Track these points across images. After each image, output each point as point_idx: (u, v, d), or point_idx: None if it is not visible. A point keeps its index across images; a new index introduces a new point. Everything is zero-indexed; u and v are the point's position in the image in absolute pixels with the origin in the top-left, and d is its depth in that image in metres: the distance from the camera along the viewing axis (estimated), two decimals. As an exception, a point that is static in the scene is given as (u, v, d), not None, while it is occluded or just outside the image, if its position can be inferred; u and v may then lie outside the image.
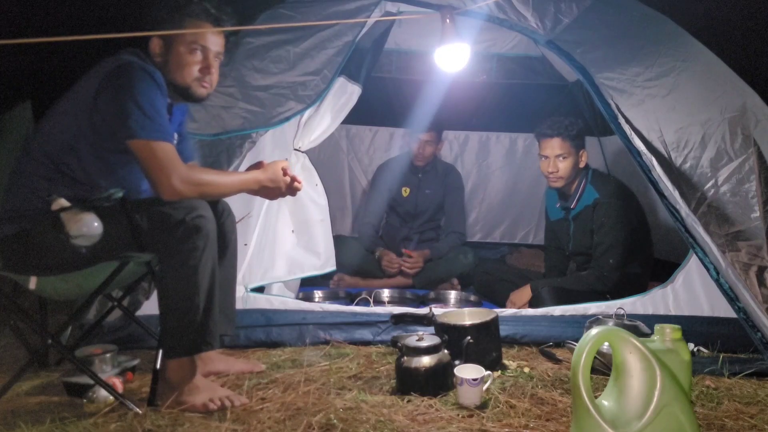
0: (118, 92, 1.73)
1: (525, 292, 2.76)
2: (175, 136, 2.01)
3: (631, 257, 2.77)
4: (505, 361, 2.16)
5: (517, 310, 2.51)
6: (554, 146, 2.80)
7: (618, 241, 2.72)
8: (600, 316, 2.27)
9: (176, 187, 1.72)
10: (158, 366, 1.79)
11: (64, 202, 1.73)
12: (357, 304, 2.75)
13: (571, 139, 2.79)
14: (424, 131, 3.60)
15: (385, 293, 3.20)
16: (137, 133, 1.71)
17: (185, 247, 1.70)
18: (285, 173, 1.99)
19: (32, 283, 1.78)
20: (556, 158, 2.80)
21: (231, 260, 2.09)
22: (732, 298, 2.10)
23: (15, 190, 1.80)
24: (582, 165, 2.84)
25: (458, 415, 1.70)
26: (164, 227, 1.71)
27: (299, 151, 2.65)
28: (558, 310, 2.45)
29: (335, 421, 1.64)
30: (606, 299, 2.48)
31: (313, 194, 2.67)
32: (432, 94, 3.52)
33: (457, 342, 2.03)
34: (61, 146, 1.78)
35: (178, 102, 1.98)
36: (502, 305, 2.78)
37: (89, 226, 1.70)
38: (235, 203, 2.18)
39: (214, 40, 1.93)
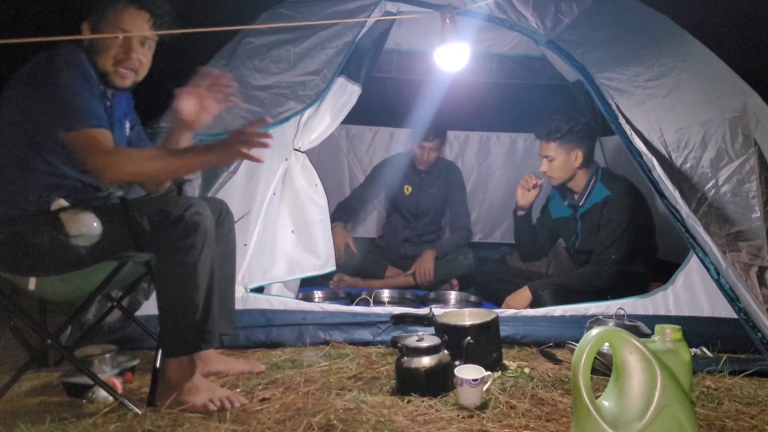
0: (39, 88, 1.73)
1: (523, 296, 2.75)
2: (126, 123, 2.00)
3: (634, 255, 2.77)
4: (506, 362, 2.15)
5: (517, 311, 2.51)
6: (542, 147, 2.90)
7: (623, 237, 2.73)
8: (600, 317, 2.27)
9: (112, 167, 1.69)
10: (158, 366, 1.79)
11: (63, 203, 1.74)
12: (357, 305, 2.74)
13: (556, 141, 2.83)
14: (428, 139, 3.58)
15: (385, 293, 3.20)
16: (64, 126, 1.70)
17: (183, 245, 1.70)
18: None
19: (31, 283, 1.78)
20: (545, 159, 2.89)
21: (230, 259, 2.09)
22: (732, 298, 2.10)
23: (1, 194, 1.79)
24: (577, 165, 2.84)
25: (458, 415, 1.70)
26: (162, 225, 1.71)
27: (299, 151, 2.64)
28: (558, 311, 2.45)
29: (335, 421, 1.63)
30: (606, 299, 2.48)
31: (313, 194, 2.67)
32: (432, 94, 3.52)
33: (458, 342, 2.03)
34: (21, 147, 1.77)
35: (114, 89, 1.91)
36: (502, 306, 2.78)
37: (88, 226, 1.70)
38: (235, 203, 2.19)
39: (136, 25, 1.85)
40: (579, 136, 2.85)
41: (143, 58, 1.88)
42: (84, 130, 1.71)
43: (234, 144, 1.73)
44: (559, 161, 2.85)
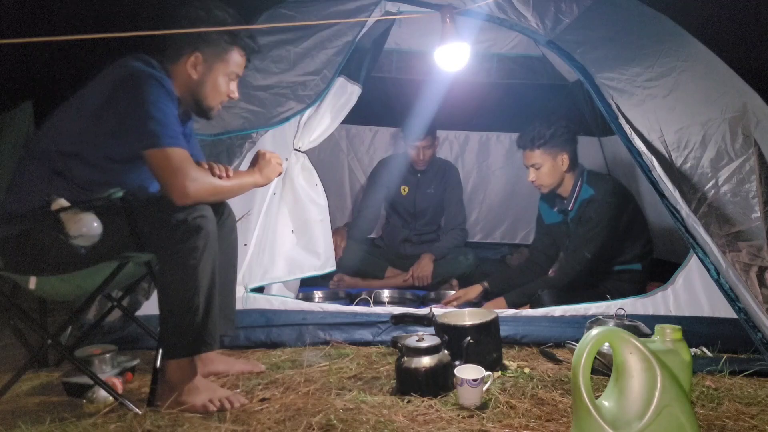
0: (131, 103, 1.72)
1: (497, 303, 2.75)
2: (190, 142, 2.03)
3: (623, 255, 2.77)
4: (506, 362, 2.15)
5: (517, 311, 2.51)
6: (527, 157, 2.88)
7: (599, 237, 2.72)
8: (600, 317, 2.27)
9: (190, 192, 1.71)
10: (158, 366, 1.79)
11: (63, 202, 1.73)
12: (357, 305, 2.74)
13: (540, 148, 2.81)
14: (420, 138, 3.59)
15: (385, 293, 3.20)
16: (153, 143, 1.71)
17: (185, 247, 1.70)
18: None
19: (32, 283, 1.78)
20: (532, 168, 2.87)
21: (231, 260, 2.09)
22: (732, 298, 2.10)
23: (15, 191, 1.80)
24: (564, 168, 2.83)
25: (458, 415, 1.70)
26: (165, 227, 1.71)
27: (299, 151, 2.65)
28: (558, 311, 2.45)
29: (335, 421, 1.63)
30: (606, 299, 2.48)
31: (312, 194, 2.67)
32: (432, 94, 3.52)
33: (458, 342, 2.03)
34: (64, 150, 1.77)
35: (190, 112, 2.00)
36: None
37: (89, 226, 1.70)
38: (235, 202, 2.18)
39: (241, 65, 2.00)
40: (562, 140, 2.83)
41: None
42: (168, 149, 1.72)
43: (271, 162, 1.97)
44: (546, 168, 2.83)
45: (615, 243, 2.75)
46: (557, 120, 2.88)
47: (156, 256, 1.79)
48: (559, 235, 3.02)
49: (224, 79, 1.95)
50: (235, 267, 2.13)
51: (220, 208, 2.01)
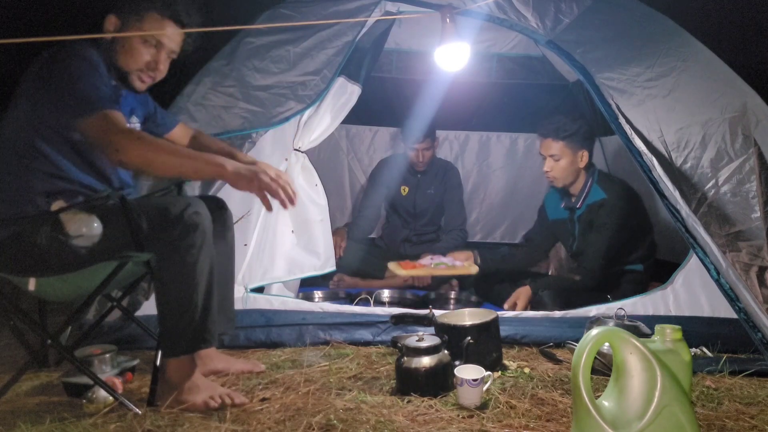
0: (47, 81, 1.73)
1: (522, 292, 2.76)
2: (135, 119, 2.00)
3: (630, 256, 2.77)
4: (506, 362, 2.15)
5: (518, 312, 2.51)
6: (547, 146, 2.84)
7: (613, 242, 2.72)
8: (600, 317, 2.26)
9: (121, 147, 1.66)
10: (157, 365, 1.79)
11: (62, 203, 1.73)
12: (357, 305, 2.74)
13: (564, 140, 2.79)
14: (419, 141, 3.59)
15: (385, 293, 3.20)
16: (80, 114, 1.70)
17: (182, 245, 1.70)
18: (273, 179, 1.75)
19: (31, 284, 1.78)
20: (549, 158, 2.83)
21: (229, 258, 2.09)
22: (732, 298, 2.10)
23: (3, 194, 1.79)
24: (582, 165, 2.83)
25: (458, 415, 1.70)
26: (161, 225, 1.71)
27: (299, 151, 2.64)
28: (558, 311, 2.45)
29: (335, 421, 1.63)
30: (607, 300, 2.48)
31: (312, 194, 2.66)
32: (431, 95, 3.52)
33: (458, 342, 2.03)
34: (26, 147, 1.77)
35: (129, 89, 1.93)
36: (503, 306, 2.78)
37: (88, 226, 1.70)
38: (234, 203, 2.18)
39: (171, 37, 1.87)
40: (584, 137, 2.83)
41: (165, 68, 1.91)
42: (99, 112, 1.69)
43: (256, 180, 1.70)
44: (565, 161, 2.81)
45: (622, 246, 2.75)
46: (581, 116, 2.87)
47: (154, 255, 1.79)
48: (563, 233, 3.02)
49: (140, 43, 1.84)
50: (233, 265, 2.13)
51: (216, 206, 2.01)
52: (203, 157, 1.77)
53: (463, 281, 3.44)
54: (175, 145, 1.95)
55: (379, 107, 3.99)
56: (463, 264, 2.93)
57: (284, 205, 1.75)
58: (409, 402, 1.79)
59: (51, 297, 1.96)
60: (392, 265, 2.89)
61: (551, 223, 3.08)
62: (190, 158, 1.76)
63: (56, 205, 1.74)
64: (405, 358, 1.88)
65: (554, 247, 3.37)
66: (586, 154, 2.82)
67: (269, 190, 1.72)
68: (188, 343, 1.75)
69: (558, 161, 2.81)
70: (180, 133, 2.20)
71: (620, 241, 2.73)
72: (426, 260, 2.91)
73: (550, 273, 3.40)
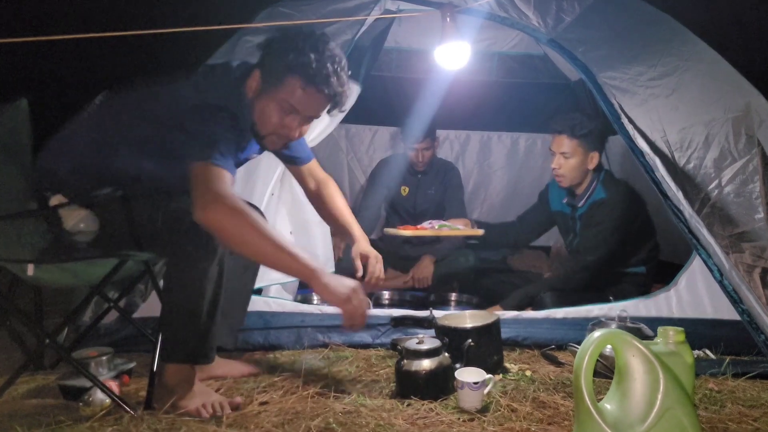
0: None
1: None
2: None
3: (631, 259, 2.75)
4: (507, 365, 2.14)
5: (518, 313, 2.49)
6: (559, 143, 2.76)
7: (606, 241, 2.69)
8: (602, 319, 2.24)
9: (208, 210, 1.56)
10: (155, 369, 1.77)
11: (61, 198, 1.72)
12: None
13: (578, 138, 2.73)
14: (419, 141, 3.57)
15: (385, 295, 3.18)
16: (193, 154, 1.62)
17: (195, 254, 1.66)
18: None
19: (30, 269, 1.74)
20: (560, 155, 2.77)
21: (247, 268, 2.06)
22: (735, 300, 2.08)
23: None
24: (591, 167, 2.78)
25: (459, 419, 1.68)
26: (175, 230, 1.67)
27: (298, 151, 2.62)
28: (560, 313, 2.43)
29: (334, 425, 1.62)
30: (609, 301, 2.46)
31: (312, 195, 2.64)
32: (432, 93, 3.50)
33: (458, 345, 2.01)
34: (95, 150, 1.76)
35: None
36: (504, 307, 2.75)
37: (87, 222, 1.68)
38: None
39: (312, 106, 1.76)
40: (598, 138, 2.77)
41: (300, 133, 1.83)
42: (208, 164, 1.60)
43: (343, 304, 1.62)
44: (575, 160, 2.75)
45: (624, 248, 2.73)
46: (597, 117, 2.82)
47: (166, 259, 1.75)
48: (563, 227, 3.00)
49: (275, 106, 1.74)
50: (253, 280, 2.12)
51: None
52: (296, 256, 1.59)
53: (464, 283, 3.43)
54: (271, 229, 1.64)
55: (378, 106, 3.97)
56: (464, 227, 2.89)
57: (351, 330, 1.75)
58: (409, 405, 1.77)
59: (47, 283, 1.92)
60: (391, 230, 2.86)
61: (553, 213, 3.05)
62: (280, 250, 1.58)
63: (55, 200, 1.72)
64: (405, 360, 1.86)
65: (554, 248, 3.35)
66: (596, 156, 2.76)
67: (350, 314, 1.64)
68: (188, 353, 1.72)
69: (568, 159, 2.75)
70: (309, 171, 2.21)
71: (619, 242, 2.70)
72: (426, 224, 2.86)
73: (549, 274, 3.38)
